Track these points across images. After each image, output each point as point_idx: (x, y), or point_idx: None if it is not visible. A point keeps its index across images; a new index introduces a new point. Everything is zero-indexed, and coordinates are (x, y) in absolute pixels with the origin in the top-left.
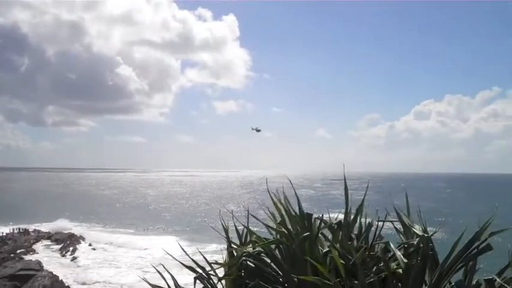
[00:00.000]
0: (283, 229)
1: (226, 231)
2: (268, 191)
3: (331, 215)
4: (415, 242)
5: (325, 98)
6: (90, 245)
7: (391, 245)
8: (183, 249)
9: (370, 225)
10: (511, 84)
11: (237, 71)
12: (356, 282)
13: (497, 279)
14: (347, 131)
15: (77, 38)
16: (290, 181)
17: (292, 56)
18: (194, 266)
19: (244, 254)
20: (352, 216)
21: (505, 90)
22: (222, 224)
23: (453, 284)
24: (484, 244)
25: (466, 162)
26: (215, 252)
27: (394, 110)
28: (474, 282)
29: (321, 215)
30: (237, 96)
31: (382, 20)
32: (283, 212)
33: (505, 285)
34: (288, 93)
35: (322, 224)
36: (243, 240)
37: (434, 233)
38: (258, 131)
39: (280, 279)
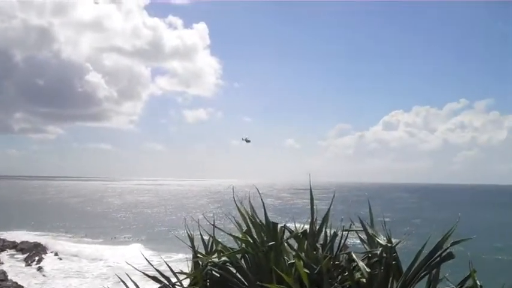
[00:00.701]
0: (249, 238)
1: (191, 240)
2: (234, 200)
3: (298, 225)
4: (379, 252)
5: (295, 107)
6: (56, 254)
7: (353, 255)
8: (147, 259)
9: (335, 234)
10: (478, 96)
11: (208, 79)
12: None
13: None
14: (316, 141)
15: (45, 43)
16: (258, 190)
17: (262, 66)
18: (159, 276)
19: (209, 264)
20: (317, 226)
21: (472, 102)
22: (187, 233)
23: None
24: (446, 253)
25: (434, 173)
26: (181, 262)
27: (364, 120)
28: None
29: (287, 225)
30: (207, 105)
31: (352, 30)
32: (249, 222)
33: None
34: (258, 102)
35: (288, 234)
36: (208, 249)
37: (398, 243)
38: (248, 141)
39: None
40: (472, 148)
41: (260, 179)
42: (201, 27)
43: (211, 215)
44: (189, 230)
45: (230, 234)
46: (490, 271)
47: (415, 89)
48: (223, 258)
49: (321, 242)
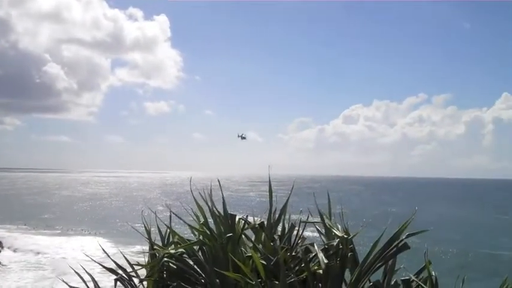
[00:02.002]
0: (206, 230)
1: (148, 232)
2: (191, 192)
3: (256, 217)
4: (335, 243)
5: (257, 101)
6: (11, 247)
7: (314, 246)
8: (104, 250)
9: (293, 226)
10: (436, 90)
11: (169, 71)
12: (277, 282)
13: (415, 279)
14: (277, 134)
15: (2, 34)
16: (219, 182)
17: (224, 58)
18: (115, 267)
19: (165, 255)
20: (275, 218)
21: (430, 96)
22: (144, 225)
23: (371, 283)
24: (402, 244)
25: (392, 166)
26: (140, 254)
27: (324, 114)
28: (393, 282)
29: (245, 216)
30: (168, 97)
31: (313, 23)
32: (206, 213)
33: (422, 285)
34: (219, 96)
35: (246, 225)
36: (165, 241)
37: (355, 235)
38: (244, 138)
39: (202, 280)
40: (430, 142)
41: (221, 171)
42: (162, 20)
43: (168, 206)
44: (146, 222)
45: (189, 225)
46: (446, 262)
47: (375, 83)
48: (180, 250)
49: (279, 234)
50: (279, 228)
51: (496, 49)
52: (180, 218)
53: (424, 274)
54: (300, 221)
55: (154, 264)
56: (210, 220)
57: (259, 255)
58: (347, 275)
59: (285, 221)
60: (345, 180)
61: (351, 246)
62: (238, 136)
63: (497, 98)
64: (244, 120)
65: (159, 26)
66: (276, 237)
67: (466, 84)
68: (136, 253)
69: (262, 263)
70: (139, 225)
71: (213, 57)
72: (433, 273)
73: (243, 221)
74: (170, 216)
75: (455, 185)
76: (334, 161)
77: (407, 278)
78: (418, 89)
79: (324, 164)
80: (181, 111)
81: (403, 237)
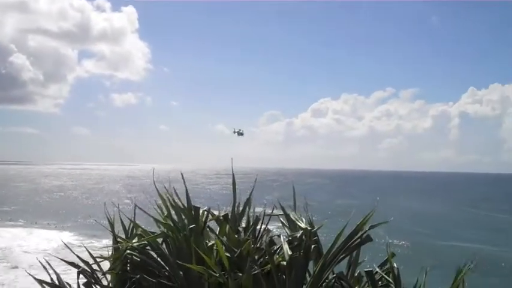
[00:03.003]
0: (170, 222)
1: (111, 225)
2: (154, 184)
3: (221, 209)
4: (299, 235)
5: (226, 94)
6: None
7: (281, 238)
8: (66, 244)
9: (257, 218)
10: (403, 85)
11: (136, 63)
12: (241, 274)
13: (378, 271)
14: (247, 127)
15: None
16: (182, 174)
17: (192, 50)
18: (78, 261)
19: (128, 248)
20: (240, 210)
21: (398, 91)
22: (107, 218)
23: (335, 274)
24: (365, 236)
25: (360, 159)
26: (105, 247)
27: (293, 107)
28: (357, 274)
29: (209, 208)
30: (135, 89)
31: (284, 18)
32: (169, 205)
33: (385, 276)
34: (187, 88)
35: (210, 217)
36: (129, 234)
37: (319, 227)
38: (241, 134)
39: (166, 273)
40: (397, 136)
41: (188, 164)
42: (130, 11)
43: (132, 199)
44: (109, 215)
45: (153, 218)
46: (411, 254)
47: (344, 77)
48: (143, 242)
49: (244, 226)
50: (244, 221)
51: (463, 44)
52: (142, 210)
53: (388, 265)
54: (264, 214)
55: (117, 256)
56: (174, 213)
57: (223, 247)
58: (312, 266)
59: (250, 214)
60: (312, 173)
61: (315, 238)
62: (234, 132)
63: (463, 92)
64: (213, 113)
65: (127, 17)
66: (240, 229)
67: (434, 79)
68: (101, 248)
69: (226, 255)
70: (103, 218)
71: (181, 48)
72: (395, 265)
73: (207, 213)
74: (134, 209)
75: (422, 178)
76: (303, 154)
77: (370, 269)
78: (386, 83)
79: (292, 157)
80: (149, 103)
81: (366, 229)
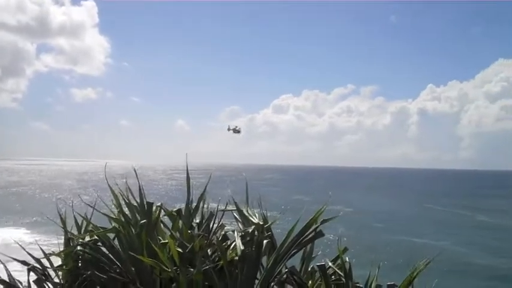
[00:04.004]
0: (122, 217)
1: (63, 221)
2: (106, 180)
3: (175, 205)
4: (251, 230)
5: (186, 89)
6: None
7: (234, 233)
8: (16, 241)
9: (211, 214)
10: (364, 82)
11: (96, 57)
12: (192, 270)
13: (331, 266)
14: (207, 123)
15: None
16: (135, 170)
17: (154, 45)
18: (30, 258)
19: (79, 243)
20: (194, 205)
21: (358, 87)
22: (59, 214)
23: (287, 269)
24: (317, 231)
25: (320, 156)
26: (58, 244)
27: (255, 103)
28: (310, 269)
29: (162, 204)
30: (95, 84)
31: (247, 18)
32: (122, 201)
33: (337, 270)
34: (148, 83)
35: (163, 213)
36: (81, 230)
37: (273, 222)
38: (237, 131)
39: (118, 270)
40: (357, 132)
41: (146, 160)
42: (90, 5)
43: (91, 195)
44: (61, 211)
45: (103, 214)
46: (365, 249)
47: (305, 73)
48: (94, 238)
49: (197, 222)
50: (199, 217)
51: (421, 42)
52: (92, 207)
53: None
54: (218, 209)
55: (68, 251)
56: (127, 209)
57: (175, 242)
58: (266, 261)
59: (204, 209)
60: (272, 168)
61: (269, 233)
62: (229, 129)
63: (422, 89)
64: (173, 109)
65: (87, 11)
66: (194, 224)
67: (393, 76)
68: (54, 244)
69: (178, 250)
70: (56, 214)
71: (142, 43)
72: (347, 259)
73: (160, 209)
74: (94, 205)
75: (381, 174)
76: (264, 150)
77: (323, 264)
78: (347, 80)
79: (253, 153)
80: (109, 98)
81: (318, 224)
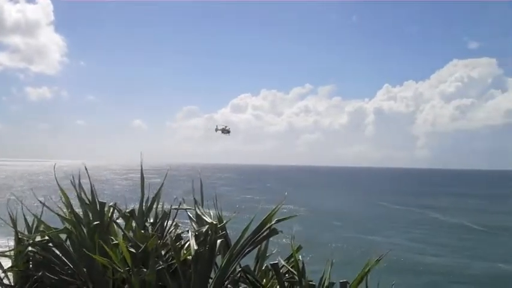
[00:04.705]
0: (73, 218)
1: (14, 221)
2: (56, 180)
3: (130, 205)
4: (204, 230)
5: (143, 88)
6: None
7: (188, 233)
8: None
9: (165, 214)
10: (321, 82)
11: (52, 56)
12: (145, 270)
13: (285, 264)
14: (165, 122)
15: None
16: (86, 169)
17: (110, 44)
18: None
19: (30, 244)
20: (148, 205)
21: (316, 87)
22: (9, 214)
23: (241, 268)
24: (271, 229)
25: (278, 155)
26: (7, 245)
27: (213, 103)
28: (264, 267)
29: (115, 204)
30: (51, 83)
31: (205, 17)
32: (75, 201)
33: (290, 269)
34: (105, 82)
35: (116, 213)
36: (32, 230)
37: (227, 221)
38: (226, 132)
39: (69, 270)
40: (315, 131)
41: (104, 159)
42: (45, 2)
43: (39, 196)
44: (11, 212)
45: (56, 213)
46: (320, 247)
47: (264, 73)
48: (46, 238)
49: (151, 222)
50: (153, 216)
51: (379, 42)
52: (43, 206)
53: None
54: (171, 208)
55: (18, 251)
56: (80, 210)
57: (128, 243)
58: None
59: (158, 209)
60: (230, 168)
61: (224, 232)
62: (217, 130)
63: (378, 89)
64: (130, 108)
65: (42, 9)
66: (147, 224)
67: (350, 76)
68: (4, 246)
69: (131, 251)
70: (7, 215)
71: (99, 42)
72: (300, 257)
73: (112, 209)
74: (43, 205)
75: (338, 173)
76: (223, 149)
77: (276, 262)
78: (305, 79)
79: (212, 152)
80: (65, 97)
81: (273, 222)
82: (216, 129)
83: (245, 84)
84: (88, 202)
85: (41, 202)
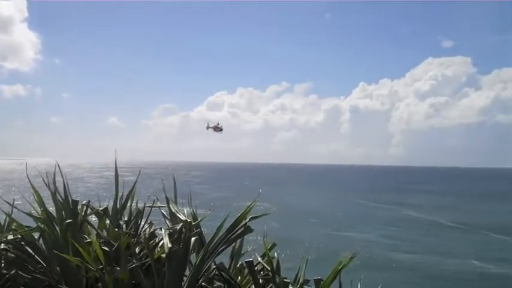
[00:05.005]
0: (46, 216)
1: None
2: (28, 178)
3: (104, 203)
4: (178, 228)
5: (118, 86)
6: None
7: (161, 231)
8: None
9: (140, 211)
10: (298, 79)
11: (26, 53)
12: (118, 268)
13: (261, 261)
14: (141, 120)
15: None
16: (59, 167)
17: (85, 42)
18: None
19: (2, 242)
20: (122, 203)
21: (292, 85)
22: None
23: (216, 266)
24: (245, 227)
25: (255, 152)
26: None
27: (189, 100)
28: (239, 265)
29: (89, 202)
30: (25, 80)
31: (180, 16)
32: (48, 199)
33: (265, 265)
34: (80, 79)
35: (89, 211)
36: (4, 229)
37: (202, 219)
38: (219, 129)
39: (42, 269)
40: (290, 129)
41: (78, 157)
42: None
43: (12, 194)
44: None
45: (26, 213)
46: (296, 244)
47: (240, 71)
48: (18, 236)
49: (126, 220)
50: (127, 214)
51: (354, 40)
52: (11, 205)
53: (272, 254)
54: (145, 206)
55: None
56: (53, 208)
57: (100, 241)
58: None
59: (132, 207)
60: (205, 166)
61: (198, 230)
62: (209, 128)
63: (354, 87)
64: (106, 106)
65: (15, 6)
66: (121, 223)
67: (326, 74)
68: None
69: (105, 249)
70: None
71: (74, 40)
72: (275, 255)
73: (86, 207)
74: (11, 205)
75: (314, 170)
76: (199, 147)
77: (251, 259)
78: (281, 77)
79: (188, 150)
80: (39, 94)
81: (247, 220)
82: (208, 127)
83: (221, 82)
84: (61, 200)
85: (7, 202)
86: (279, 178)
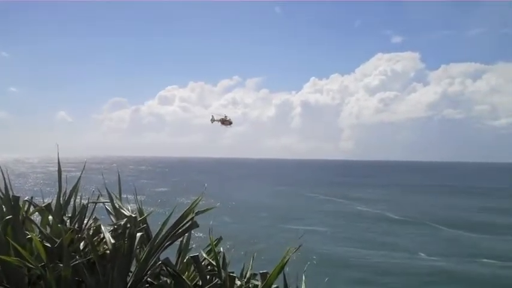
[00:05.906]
0: None
1: None
2: None
3: (48, 199)
4: (123, 223)
5: (68, 79)
6: None
7: (103, 227)
8: None
9: (84, 207)
10: (249, 74)
11: None
12: (61, 265)
13: (206, 257)
14: (90, 115)
15: None
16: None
17: (34, 35)
18: None
19: None
20: (65, 199)
21: (244, 79)
22: None
23: (161, 261)
24: (191, 222)
25: (207, 147)
26: None
27: (139, 94)
28: (185, 260)
29: (31, 198)
30: None
31: (131, 10)
32: None
33: (211, 260)
34: (28, 73)
35: (32, 207)
36: None
37: (148, 214)
38: (228, 123)
39: None
40: (242, 124)
41: (25, 152)
42: None
43: None
44: None
45: None
46: (247, 237)
47: (191, 65)
48: None
49: (69, 215)
50: (71, 210)
51: (305, 35)
52: None
53: (217, 249)
54: (89, 202)
55: None
56: None
57: (41, 237)
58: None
59: (76, 202)
60: (154, 160)
61: (145, 225)
62: (214, 121)
63: (305, 82)
64: (54, 100)
65: None
66: (65, 219)
67: (278, 68)
68: None
69: (47, 245)
70: None
71: (22, 33)
72: (222, 249)
73: (28, 203)
74: None
75: (265, 164)
76: (150, 142)
77: (196, 254)
78: (232, 71)
79: (139, 145)
80: None
81: (194, 215)
82: (212, 120)
83: (173, 76)
84: (2, 196)
85: None
86: (230, 173)
